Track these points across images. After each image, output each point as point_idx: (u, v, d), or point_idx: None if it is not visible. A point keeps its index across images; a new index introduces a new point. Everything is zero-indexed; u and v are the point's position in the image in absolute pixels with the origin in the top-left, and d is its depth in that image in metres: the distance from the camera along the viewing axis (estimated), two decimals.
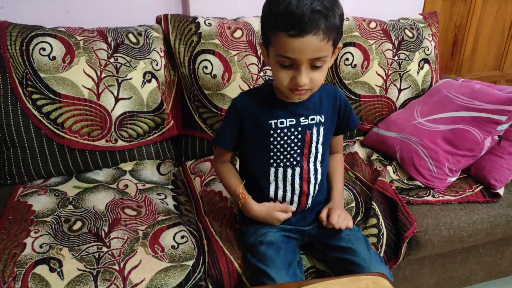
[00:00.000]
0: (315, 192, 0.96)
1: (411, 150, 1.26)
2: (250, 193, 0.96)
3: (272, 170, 0.93)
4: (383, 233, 1.03)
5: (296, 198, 0.95)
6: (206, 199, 1.17)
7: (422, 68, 1.58)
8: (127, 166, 1.28)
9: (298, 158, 0.92)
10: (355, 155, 1.40)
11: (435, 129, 1.26)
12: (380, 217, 1.05)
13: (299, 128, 0.90)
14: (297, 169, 0.92)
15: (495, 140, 1.18)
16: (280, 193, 0.94)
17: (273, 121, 0.89)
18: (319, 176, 0.95)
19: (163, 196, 1.15)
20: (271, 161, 0.92)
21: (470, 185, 1.22)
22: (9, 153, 1.20)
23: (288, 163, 0.92)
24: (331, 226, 0.91)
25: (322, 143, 0.93)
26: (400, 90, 1.55)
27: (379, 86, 1.53)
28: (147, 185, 1.20)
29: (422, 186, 1.19)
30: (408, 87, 1.56)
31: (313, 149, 0.93)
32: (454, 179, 1.21)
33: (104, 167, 1.27)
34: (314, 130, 0.91)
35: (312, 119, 0.91)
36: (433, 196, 1.16)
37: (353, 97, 1.50)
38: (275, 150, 0.91)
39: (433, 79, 1.60)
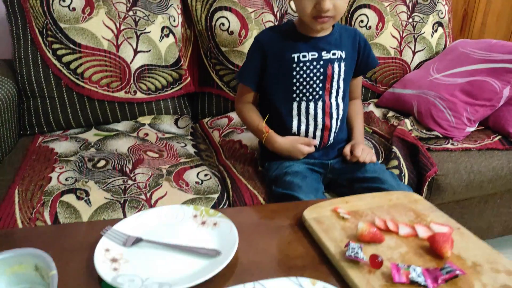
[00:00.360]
0: (337, 128, 0.96)
1: (429, 103, 1.26)
2: (273, 130, 0.97)
3: (295, 104, 0.93)
4: (404, 173, 1.03)
5: (318, 133, 0.95)
6: (226, 147, 1.17)
7: (436, 31, 1.58)
8: (146, 120, 1.29)
9: (320, 92, 0.93)
10: (371, 113, 1.41)
11: (452, 83, 1.26)
12: (401, 159, 1.06)
13: (321, 62, 0.91)
14: (320, 103, 0.93)
15: None
16: (303, 128, 0.95)
17: (295, 55, 0.90)
18: (340, 112, 0.96)
19: (183, 144, 1.15)
20: (294, 95, 0.93)
21: (488, 135, 1.22)
22: (29, 103, 1.20)
23: (310, 97, 0.93)
24: (356, 159, 0.92)
25: (343, 79, 0.94)
26: (414, 52, 1.55)
27: (394, 48, 1.53)
28: (167, 135, 1.21)
29: (441, 136, 1.20)
30: (422, 49, 1.56)
31: (334, 83, 0.93)
32: (472, 129, 1.21)
33: (123, 120, 1.28)
34: (336, 65, 0.92)
35: (334, 54, 0.92)
36: (452, 144, 1.16)
37: None
38: (297, 84, 0.92)
39: (446, 42, 1.60)
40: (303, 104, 0.93)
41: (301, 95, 0.93)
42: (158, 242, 0.60)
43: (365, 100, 1.55)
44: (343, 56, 0.93)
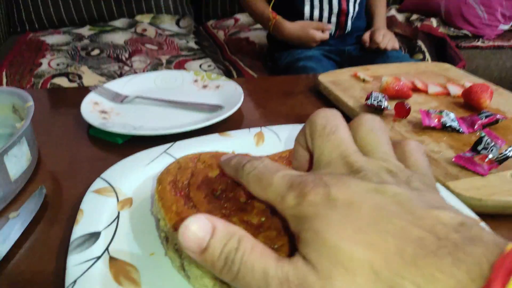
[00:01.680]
0: (355, 13, 0.85)
1: (459, 0, 1.13)
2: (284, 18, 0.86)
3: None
4: None
5: (334, 18, 0.84)
6: (232, 44, 1.07)
7: None
8: (145, 18, 1.18)
9: None
10: (393, 18, 1.28)
11: None
12: (427, 53, 0.96)
13: None
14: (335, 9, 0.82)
15: None
16: (317, 12, 0.84)
17: None
18: None
19: (185, 41, 1.06)
20: None
21: None
22: None
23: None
24: (376, 46, 0.82)
25: None
26: None
27: None
28: (167, 32, 1.11)
29: (470, 35, 1.08)
30: None
31: None
32: (506, 27, 1.09)
33: (120, 18, 1.18)
34: None
35: None
36: (483, 42, 1.05)
37: None
38: None
39: None
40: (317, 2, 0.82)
41: None
42: (154, 98, 0.53)
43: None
44: None
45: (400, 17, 1.29)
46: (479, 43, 1.04)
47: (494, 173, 0.36)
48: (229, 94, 0.54)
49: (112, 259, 0.26)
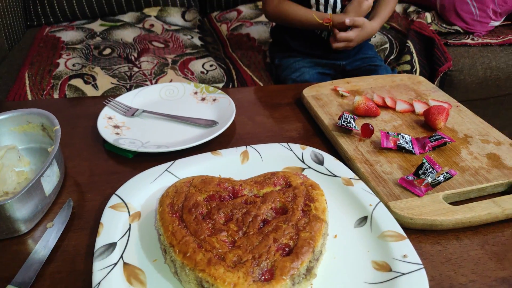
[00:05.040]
0: None
1: None
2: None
3: None
4: (416, 69, 1.00)
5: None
6: (233, 41, 1.14)
7: None
8: (152, 12, 1.25)
9: None
10: None
11: None
12: (414, 55, 1.01)
13: None
14: None
15: None
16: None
17: None
18: None
19: (189, 37, 1.13)
20: None
21: None
22: None
23: None
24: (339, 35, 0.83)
25: None
26: None
27: None
28: (173, 27, 1.18)
29: (462, 31, 1.12)
30: None
31: None
32: (497, 23, 1.13)
33: (129, 11, 1.24)
34: None
35: None
36: (473, 39, 1.10)
37: None
38: None
39: None
40: None
41: None
42: (159, 113, 0.62)
43: None
44: None
45: (398, 8, 1.33)
46: (468, 40, 1.08)
47: (429, 195, 0.45)
48: (223, 108, 0.63)
49: (125, 264, 0.36)
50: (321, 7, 0.88)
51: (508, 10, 1.12)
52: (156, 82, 0.89)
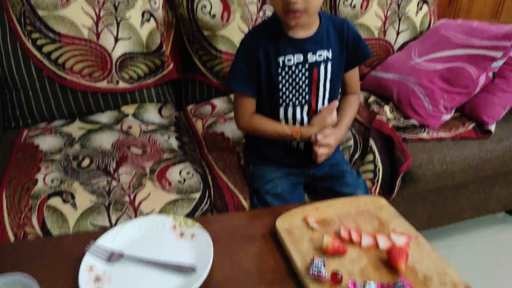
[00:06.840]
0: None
1: (408, 91, 1.28)
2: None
3: (282, 110, 0.93)
4: (379, 168, 1.08)
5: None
6: (209, 140, 1.20)
7: (421, 9, 1.56)
8: (129, 109, 1.30)
9: (306, 97, 0.92)
10: None
11: (432, 69, 1.27)
12: (377, 154, 1.10)
13: (306, 66, 0.89)
14: (306, 108, 0.94)
15: (489, 78, 1.20)
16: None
17: (280, 59, 0.88)
18: None
19: (166, 137, 1.18)
20: (280, 101, 0.92)
21: (463, 123, 1.26)
22: (11, 95, 1.20)
23: (297, 102, 0.92)
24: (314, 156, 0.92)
25: (330, 79, 0.92)
26: (398, 33, 1.55)
27: (378, 29, 1.52)
28: (150, 127, 1.23)
29: (417, 125, 1.23)
30: (406, 29, 1.55)
31: (321, 87, 0.92)
32: (448, 116, 1.25)
33: (107, 110, 1.29)
34: (322, 68, 0.90)
35: (320, 56, 0.89)
36: (428, 133, 1.20)
37: None
38: (283, 89, 0.91)
39: (431, 21, 1.59)
40: (290, 110, 0.93)
41: (287, 100, 0.92)
42: (139, 258, 0.65)
43: None
44: (330, 56, 0.90)
45: (360, 96, 1.44)
46: (424, 135, 1.19)
47: None
48: (202, 248, 0.67)
49: None
50: (290, 122, 0.95)
51: (457, 104, 1.24)
52: (135, 197, 0.92)
